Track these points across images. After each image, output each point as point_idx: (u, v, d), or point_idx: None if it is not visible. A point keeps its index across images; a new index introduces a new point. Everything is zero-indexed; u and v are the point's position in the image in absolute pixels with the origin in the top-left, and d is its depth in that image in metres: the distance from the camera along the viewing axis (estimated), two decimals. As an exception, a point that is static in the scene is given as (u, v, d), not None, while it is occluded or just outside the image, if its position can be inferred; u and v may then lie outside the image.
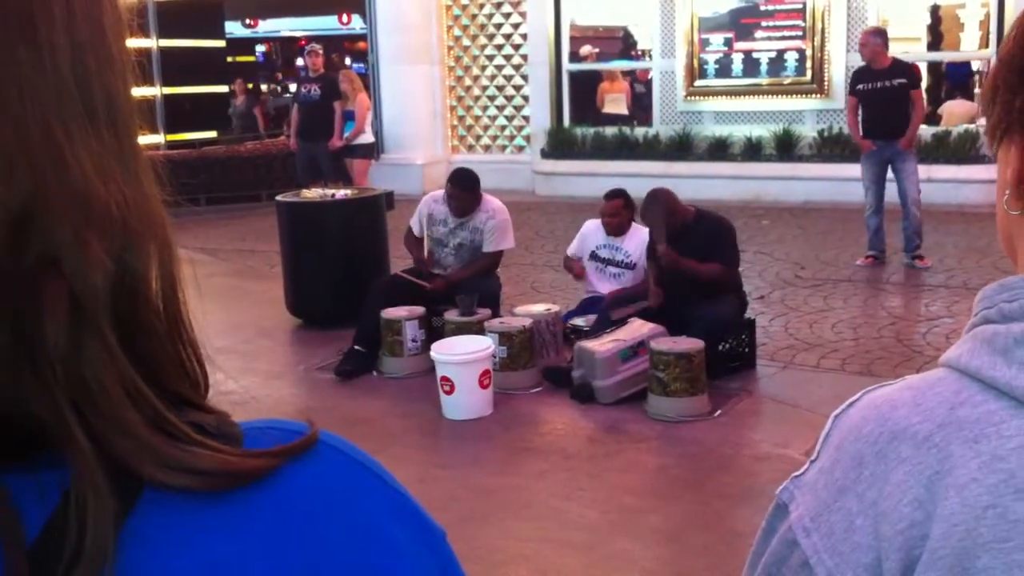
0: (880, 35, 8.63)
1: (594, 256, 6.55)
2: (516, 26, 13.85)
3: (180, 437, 0.48)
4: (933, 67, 13.85)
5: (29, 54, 0.46)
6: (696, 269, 5.66)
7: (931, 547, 0.66)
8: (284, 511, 0.49)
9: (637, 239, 6.33)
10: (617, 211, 6.40)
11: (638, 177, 10.40)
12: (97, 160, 0.47)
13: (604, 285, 6.44)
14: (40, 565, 0.44)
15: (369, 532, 0.51)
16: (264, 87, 23.39)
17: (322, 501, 0.51)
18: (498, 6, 13.94)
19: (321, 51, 11.93)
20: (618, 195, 6.47)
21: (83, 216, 0.46)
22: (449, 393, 5.25)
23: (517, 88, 14.01)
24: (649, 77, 13.45)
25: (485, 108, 14.32)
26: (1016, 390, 0.67)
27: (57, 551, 0.44)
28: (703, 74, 12.58)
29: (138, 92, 0.52)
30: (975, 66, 14.02)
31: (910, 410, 0.71)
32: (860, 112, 8.48)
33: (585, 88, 13.98)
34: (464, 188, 6.46)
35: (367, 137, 11.52)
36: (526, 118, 13.91)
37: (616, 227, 6.41)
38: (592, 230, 6.61)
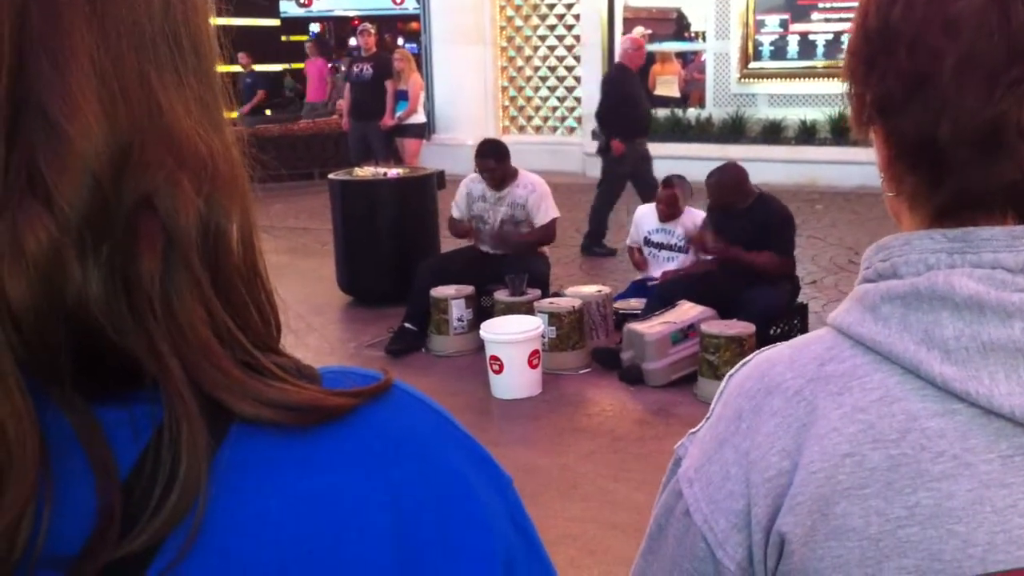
0: None
1: (647, 241, 6.52)
2: (569, 7, 13.77)
3: (266, 374, 0.50)
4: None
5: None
6: (744, 258, 5.60)
7: (792, 493, 0.69)
8: (365, 448, 0.51)
9: (690, 222, 6.29)
10: (673, 200, 6.35)
11: (691, 160, 10.31)
12: (187, 106, 0.49)
13: (658, 270, 6.39)
14: (134, 496, 0.45)
15: (444, 471, 0.53)
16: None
17: (400, 440, 0.52)
18: (551, -14, 13.88)
19: (374, 31, 11.95)
20: (672, 184, 6.40)
21: (176, 158, 0.47)
22: (498, 372, 5.27)
23: (569, 69, 13.94)
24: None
25: (537, 89, 14.27)
26: (880, 345, 0.69)
27: (150, 482, 0.45)
28: (758, 56, 12.43)
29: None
30: None
31: (786, 367, 0.74)
32: None
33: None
34: (495, 157, 6.45)
35: (419, 117, 11.53)
36: (578, 99, 13.83)
37: (669, 214, 6.38)
38: (644, 214, 6.57)
